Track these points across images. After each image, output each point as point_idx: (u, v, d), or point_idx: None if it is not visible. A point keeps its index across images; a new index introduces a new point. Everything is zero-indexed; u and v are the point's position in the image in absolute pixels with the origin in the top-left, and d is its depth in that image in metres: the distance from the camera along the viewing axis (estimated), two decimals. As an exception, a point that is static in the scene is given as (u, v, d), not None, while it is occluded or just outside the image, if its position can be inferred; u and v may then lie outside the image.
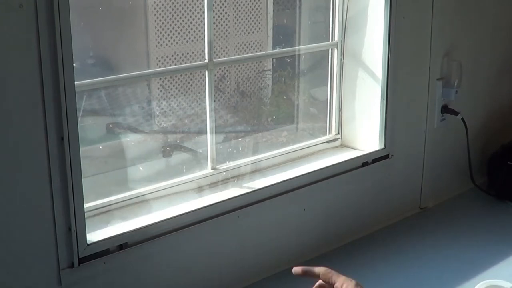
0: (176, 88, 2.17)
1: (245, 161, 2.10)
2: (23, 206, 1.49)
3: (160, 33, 2.07)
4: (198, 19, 2.03)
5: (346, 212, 2.22)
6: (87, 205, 1.65)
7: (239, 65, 2.31)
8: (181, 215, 1.79)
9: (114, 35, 2.01)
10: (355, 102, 2.31)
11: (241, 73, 2.34)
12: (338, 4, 2.26)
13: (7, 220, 1.48)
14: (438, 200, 2.54)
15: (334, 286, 1.29)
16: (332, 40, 2.30)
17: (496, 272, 2.00)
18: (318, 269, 1.30)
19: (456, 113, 2.47)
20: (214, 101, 1.97)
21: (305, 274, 1.32)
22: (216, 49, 2.01)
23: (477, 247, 2.19)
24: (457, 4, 2.44)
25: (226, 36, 2.21)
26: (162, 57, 2.10)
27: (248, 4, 2.28)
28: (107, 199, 1.80)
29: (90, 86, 1.78)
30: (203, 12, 1.91)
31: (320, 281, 1.32)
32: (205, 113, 1.97)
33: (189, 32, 2.10)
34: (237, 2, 2.25)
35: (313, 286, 1.34)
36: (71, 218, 1.56)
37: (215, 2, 2.07)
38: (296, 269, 1.33)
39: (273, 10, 2.38)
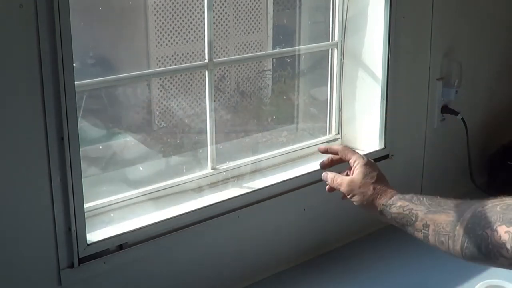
0: (176, 88, 2.17)
1: (245, 161, 2.10)
2: (23, 206, 1.49)
3: (160, 33, 2.07)
4: (198, 19, 2.03)
5: (346, 212, 2.22)
6: (87, 205, 1.65)
7: (239, 65, 2.31)
8: (181, 215, 1.79)
9: (114, 35, 2.01)
10: (355, 102, 2.31)
11: (241, 73, 2.33)
12: (338, 4, 2.25)
13: (7, 220, 1.48)
14: (438, 200, 2.53)
15: (349, 162, 1.48)
16: (332, 40, 2.29)
17: (496, 272, 1.99)
18: (337, 146, 1.52)
19: (456, 113, 2.46)
20: (214, 101, 1.97)
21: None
22: (216, 49, 2.01)
23: (477, 247, 2.18)
24: (457, 4, 2.44)
25: (226, 36, 2.21)
26: (162, 57, 2.10)
27: (248, 4, 2.28)
28: (107, 199, 1.80)
29: (90, 86, 1.77)
30: (203, 12, 1.91)
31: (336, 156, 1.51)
32: (205, 113, 1.96)
33: (189, 32, 2.10)
34: (237, 2, 2.25)
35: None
36: (71, 218, 1.56)
37: (215, 2, 2.07)
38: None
39: (273, 10, 2.38)
